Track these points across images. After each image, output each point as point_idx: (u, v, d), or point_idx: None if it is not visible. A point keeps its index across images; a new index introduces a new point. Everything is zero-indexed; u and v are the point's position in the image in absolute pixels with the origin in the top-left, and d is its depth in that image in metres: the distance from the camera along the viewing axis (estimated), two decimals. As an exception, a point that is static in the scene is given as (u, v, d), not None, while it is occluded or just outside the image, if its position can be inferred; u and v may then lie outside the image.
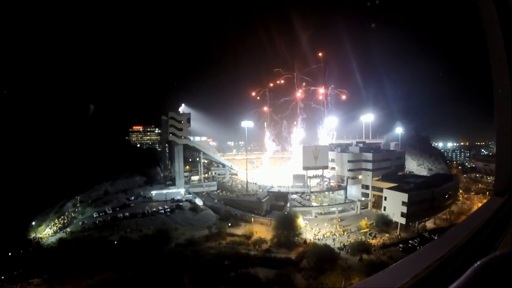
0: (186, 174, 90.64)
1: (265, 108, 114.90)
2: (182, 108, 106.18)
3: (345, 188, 77.18)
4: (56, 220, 62.80)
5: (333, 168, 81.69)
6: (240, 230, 59.58)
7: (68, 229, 58.23)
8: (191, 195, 77.43)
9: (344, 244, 52.91)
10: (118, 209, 65.50)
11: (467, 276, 1.25)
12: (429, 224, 63.39)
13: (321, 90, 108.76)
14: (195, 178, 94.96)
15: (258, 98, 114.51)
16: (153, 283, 36.47)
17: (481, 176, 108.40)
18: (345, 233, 58.80)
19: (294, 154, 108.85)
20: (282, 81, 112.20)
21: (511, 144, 3.89)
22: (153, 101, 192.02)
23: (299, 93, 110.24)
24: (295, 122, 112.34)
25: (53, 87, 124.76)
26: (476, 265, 1.26)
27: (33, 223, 61.30)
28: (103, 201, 69.76)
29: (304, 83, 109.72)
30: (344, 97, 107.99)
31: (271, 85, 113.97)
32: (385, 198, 64.49)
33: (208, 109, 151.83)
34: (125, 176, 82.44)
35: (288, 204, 70.86)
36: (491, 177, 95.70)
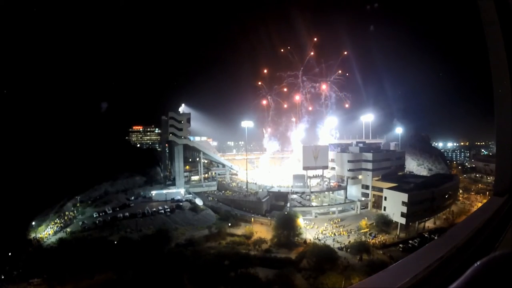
0: (186, 174, 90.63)
1: (264, 102, 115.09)
2: (182, 108, 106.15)
3: (345, 188, 77.16)
4: (57, 220, 62.79)
5: (333, 168, 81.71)
6: (240, 230, 59.60)
7: (68, 229, 58.22)
8: (191, 195, 77.46)
9: (344, 244, 52.95)
10: (118, 209, 65.48)
11: (467, 276, 1.25)
12: (429, 224, 63.40)
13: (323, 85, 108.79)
14: (195, 178, 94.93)
15: (264, 97, 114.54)
16: (153, 283, 36.45)
17: (481, 176, 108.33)
18: (344, 232, 58.84)
19: (292, 154, 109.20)
20: (285, 83, 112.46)
21: (511, 144, 3.89)
22: (153, 101, 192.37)
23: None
24: (294, 122, 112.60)
25: (54, 87, 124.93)
26: (476, 265, 1.27)
27: (33, 223, 61.29)
28: (103, 201, 69.76)
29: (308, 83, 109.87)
30: (346, 103, 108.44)
31: (275, 87, 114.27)
32: (385, 198, 64.49)
33: (208, 109, 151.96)
34: (125, 176, 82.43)
35: (288, 204, 70.87)
36: (491, 177, 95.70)
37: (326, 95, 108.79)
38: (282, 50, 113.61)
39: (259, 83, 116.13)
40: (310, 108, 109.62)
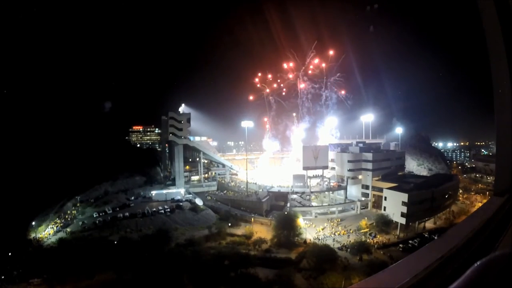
0: (186, 174, 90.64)
1: (265, 119, 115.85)
2: (182, 108, 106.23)
3: (345, 188, 77.15)
4: (57, 219, 62.85)
5: (333, 168, 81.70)
6: (240, 230, 59.57)
7: (68, 229, 58.24)
8: (191, 195, 77.47)
9: (344, 244, 52.96)
10: (118, 209, 65.46)
11: (467, 276, 1.25)
12: (429, 224, 63.38)
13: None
14: (195, 178, 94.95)
15: (264, 88, 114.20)
16: (153, 283, 36.45)
17: (481, 176, 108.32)
18: (344, 232, 58.87)
19: (291, 153, 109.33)
20: (285, 84, 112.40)
21: (511, 144, 3.89)
22: (153, 101, 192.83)
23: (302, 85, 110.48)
24: (295, 122, 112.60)
25: (54, 88, 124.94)
26: (476, 265, 1.27)
27: (33, 223, 61.35)
28: (103, 201, 69.75)
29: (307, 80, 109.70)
30: (342, 91, 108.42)
31: (275, 85, 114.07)
32: (385, 198, 64.46)
33: (208, 109, 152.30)
34: (125, 176, 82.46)
35: (288, 204, 70.86)
36: (491, 177, 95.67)
37: (327, 96, 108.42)
38: (284, 51, 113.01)
39: (260, 83, 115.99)
40: (307, 104, 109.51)
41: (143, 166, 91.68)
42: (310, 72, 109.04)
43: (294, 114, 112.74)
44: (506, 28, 3.60)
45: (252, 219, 65.32)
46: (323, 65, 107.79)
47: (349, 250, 50.34)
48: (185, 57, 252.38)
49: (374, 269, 30.14)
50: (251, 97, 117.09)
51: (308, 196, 75.26)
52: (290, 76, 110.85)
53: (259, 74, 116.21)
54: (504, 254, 1.31)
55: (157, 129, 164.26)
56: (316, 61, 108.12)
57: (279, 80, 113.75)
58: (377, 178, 75.25)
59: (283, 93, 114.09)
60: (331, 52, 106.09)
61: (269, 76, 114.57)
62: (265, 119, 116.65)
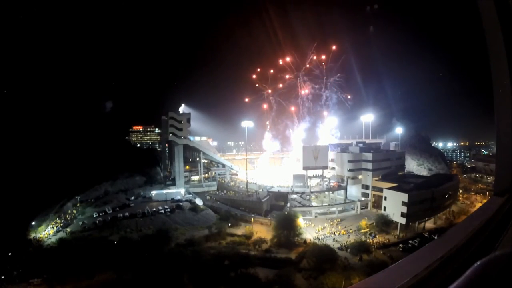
0: (186, 174, 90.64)
1: (265, 106, 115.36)
2: (182, 108, 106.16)
3: (345, 188, 77.15)
4: (57, 219, 62.83)
5: (333, 168, 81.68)
6: (240, 230, 59.57)
7: (68, 229, 58.22)
8: (191, 195, 77.45)
9: (344, 244, 52.96)
10: (118, 209, 65.45)
11: (467, 276, 1.25)
12: (429, 224, 63.38)
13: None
14: (195, 178, 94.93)
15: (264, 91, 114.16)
16: (153, 283, 36.44)
17: (481, 176, 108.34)
18: (343, 232, 58.88)
19: (291, 153, 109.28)
20: (285, 84, 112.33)
21: (511, 144, 3.88)
22: (153, 101, 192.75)
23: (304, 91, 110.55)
24: (295, 122, 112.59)
25: (54, 88, 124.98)
26: (476, 265, 1.27)
27: (33, 223, 61.35)
28: (103, 201, 69.74)
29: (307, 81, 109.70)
30: (349, 96, 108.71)
31: (278, 86, 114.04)
32: (385, 198, 64.46)
33: (208, 109, 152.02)
34: (125, 176, 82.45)
35: (288, 204, 70.85)
36: (491, 177, 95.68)
37: (327, 96, 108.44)
38: (284, 52, 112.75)
39: (260, 84, 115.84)
40: (307, 105, 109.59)
41: (143, 166, 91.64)
42: (309, 72, 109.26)
43: (293, 108, 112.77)
44: (506, 28, 3.59)
45: (252, 219, 65.33)
46: (323, 63, 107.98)
47: (349, 250, 50.37)
48: (185, 57, 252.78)
49: (374, 269, 30.14)
50: (247, 99, 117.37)
51: (308, 196, 75.24)
52: (287, 76, 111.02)
53: (258, 70, 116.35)
54: (504, 254, 1.31)
55: (157, 129, 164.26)
56: (315, 58, 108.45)
57: (279, 83, 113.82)
58: (377, 178, 75.24)
59: (283, 96, 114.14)
60: (333, 47, 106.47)
61: (271, 71, 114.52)
62: (264, 106, 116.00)
